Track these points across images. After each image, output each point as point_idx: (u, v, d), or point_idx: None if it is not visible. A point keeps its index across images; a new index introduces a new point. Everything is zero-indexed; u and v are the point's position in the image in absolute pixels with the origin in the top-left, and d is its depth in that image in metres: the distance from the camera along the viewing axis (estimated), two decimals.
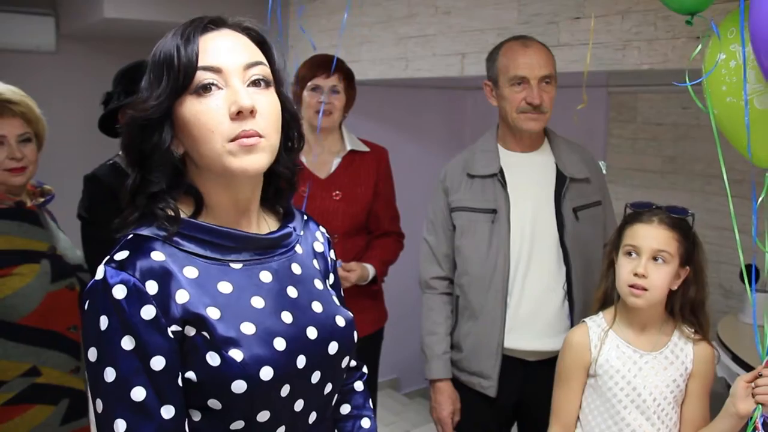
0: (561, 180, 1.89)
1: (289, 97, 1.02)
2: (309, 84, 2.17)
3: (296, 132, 1.04)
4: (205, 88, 0.91)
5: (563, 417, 1.57)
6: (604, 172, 3.69)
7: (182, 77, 0.90)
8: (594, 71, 2.30)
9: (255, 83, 0.94)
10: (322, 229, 1.18)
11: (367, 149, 2.30)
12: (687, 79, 1.30)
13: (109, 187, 2.01)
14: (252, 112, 0.91)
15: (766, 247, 1.27)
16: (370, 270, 2.23)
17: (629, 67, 2.19)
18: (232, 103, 0.90)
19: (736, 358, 2.15)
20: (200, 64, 0.91)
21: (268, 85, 0.96)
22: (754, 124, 1.27)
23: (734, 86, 1.27)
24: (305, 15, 3.45)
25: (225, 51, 0.93)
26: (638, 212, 1.53)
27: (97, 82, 2.46)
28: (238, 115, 0.90)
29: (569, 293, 1.86)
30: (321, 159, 2.24)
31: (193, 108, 0.91)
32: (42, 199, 1.82)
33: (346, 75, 2.24)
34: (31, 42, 3.67)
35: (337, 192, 2.21)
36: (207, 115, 0.91)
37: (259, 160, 0.93)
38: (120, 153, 2.13)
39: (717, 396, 2.31)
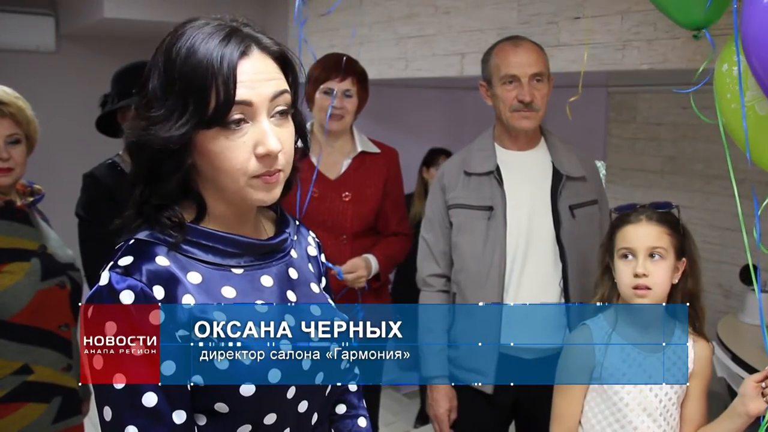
0: (557, 178, 1.90)
1: (300, 111, 1.01)
2: (322, 87, 2.14)
3: (301, 141, 1.03)
4: (236, 123, 0.89)
5: (566, 422, 1.55)
6: (603, 172, 3.71)
7: (216, 115, 0.87)
8: (593, 71, 2.31)
9: (279, 113, 0.93)
10: (312, 233, 1.19)
11: (377, 150, 2.29)
12: (690, 87, 1.39)
13: (107, 186, 2.01)
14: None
15: None
16: (372, 260, 2.21)
17: (629, 67, 2.19)
18: (260, 143, 0.90)
19: (735, 358, 2.15)
20: (235, 98, 0.88)
21: (288, 112, 0.95)
22: (759, 129, 1.32)
23: (738, 94, 1.33)
24: (304, 16, 3.44)
25: (256, 83, 0.90)
26: (625, 214, 1.54)
27: (96, 81, 2.46)
28: (262, 156, 0.90)
29: (565, 290, 1.86)
30: (331, 160, 2.23)
31: (219, 143, 0.89)
32: (31, 199, 1.82)
33: (360, 77, 2.20)
34: (31, 42, 3.67)
35: (347, 193, 2.19)
36: (234, 152, 0.89)
37: (277, 193, 0.94)
38: (120, 153, 2.14)
39: (717, 396, 2.31)
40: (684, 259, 1.52)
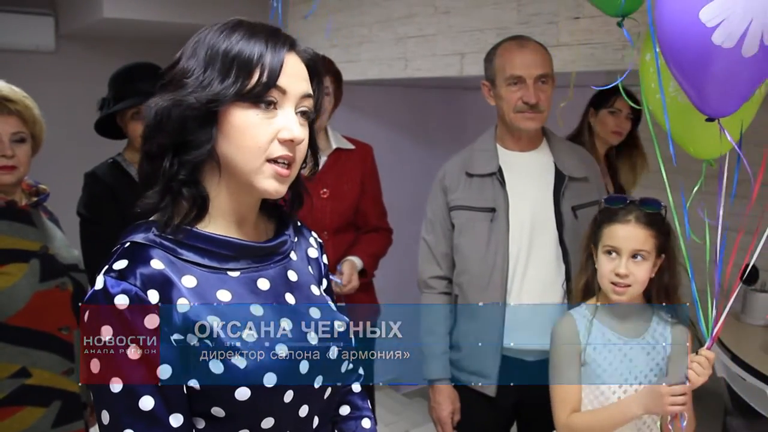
0: (560, 179, 1.89)
1: (314, 129, 1.05)
2: None
3: (312, 160, 1.06)
4: (268, 105, 0.93)
5: (569, 404, 1.59)
6: None
7: (254, 90, 0.91)
8: (593, 71, 2.31)
9: (302, 113, 0.97)
10: (314, 234, 1.19)
11: (352, 147, 2.32)
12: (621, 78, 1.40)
13: (108, 184, 2.02)
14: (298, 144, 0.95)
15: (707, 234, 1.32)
16: (357, 262, 2.26)
17: (629, 67, 2.19)
18: (285, 129, 0.93)
19: (735, 358, 2.15)
20: (277, 82, 0.93)
21: (309, 118, 0.99)
22: (682, 118, 1.36)
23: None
24: (304, 15, 3.45)
25: (296, 76, 0.95)
26: (613, 210, 1.59)
27: (96, 82, 2.46)
28: (285, 141, 0.93)
29: (569, 292, 1.86)
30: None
31: (248, 118, 0.92)
32: (35, 199, 1.80)
33: (336, 76, 2.26)
34: (31, 42, 3.67)
35: (325, 190, 2.22)
36: (260, 129, 0.92)
37: (283, 188, 0.96)
38: (121, 152, 2.14)
39: (717, 396, 2.31)
40: (663, 255, 1.57)
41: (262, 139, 0.92)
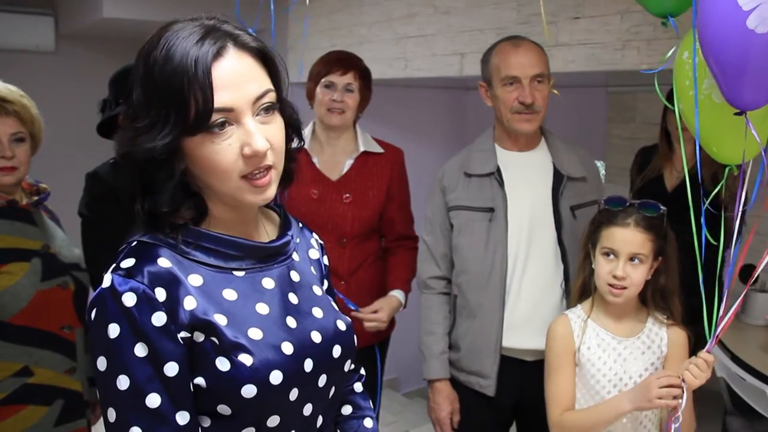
0: (558, 179, 1.89)
1: (288, 101, 1.00)
2: (323, 80, 2.09)
3: (295, 134, 1.03)
4: (220, 126, 0.88)
5: (563, 402, 1.60)
6: (603, 171, 3.71)
7: (197, 122, 0.86)
8: (593, 71, 2.31)
9: (264, 110, 0.92)
10: (315, 236, 1.19)
11: (381, 150, 2.21)
12: (656, 78, 1.39)
13: (110, 184, 2.01)
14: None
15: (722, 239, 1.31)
16: (401, 297, 2.17)
17: (628, 67, 2.19)
18: (246, 144, 0.88)
19: (735, 358, 2.15)
20: (215, 105, 0.86)
21: (275, 108, 0.94)
22: (713, 117, 1.34)
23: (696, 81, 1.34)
24: (304, 15, 3.45)
25: (235, 86, 0.88)
26: (613, 212, 1.59)
27: (96, 82, 2.46)
28: (249, 157, 0.89)
29: (567, 292, 1.86)
30: (333, 160, 2.15)
31: (205, 148, 0.88)
32: (36, 198, 1.80)
33: (363, 73, 2.15)
34: (31, 42, 3.67)
35: (347, 195, 2.12)
36: (221, 155, 0.88)
37: (270, 192, 0.94)
38: None
39: (717, 396, 2.31)
40: (660, 258, 1.58)
41: (226, 163, 0.89)
